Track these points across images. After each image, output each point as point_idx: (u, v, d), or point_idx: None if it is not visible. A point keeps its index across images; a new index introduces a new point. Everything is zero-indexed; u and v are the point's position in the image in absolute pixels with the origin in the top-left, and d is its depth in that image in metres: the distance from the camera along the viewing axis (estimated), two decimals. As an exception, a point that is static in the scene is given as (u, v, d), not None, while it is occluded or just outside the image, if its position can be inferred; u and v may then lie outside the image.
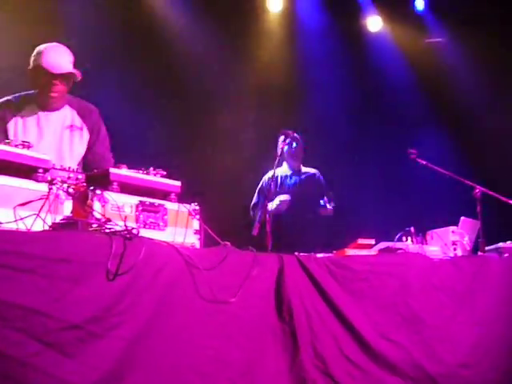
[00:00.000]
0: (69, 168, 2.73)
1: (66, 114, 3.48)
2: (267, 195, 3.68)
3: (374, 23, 7.23)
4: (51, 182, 2.41)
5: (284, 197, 4.68)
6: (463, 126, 6.82)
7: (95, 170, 2.86)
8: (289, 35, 6.81)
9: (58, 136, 3.43)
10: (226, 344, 2.55)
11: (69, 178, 2.62)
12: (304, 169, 5.19)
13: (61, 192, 2.47)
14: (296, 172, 5.11)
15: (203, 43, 6.08)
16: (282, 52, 6.72)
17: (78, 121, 3.50)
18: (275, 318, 2.82)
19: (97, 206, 2.47)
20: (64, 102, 3.47)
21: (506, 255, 3.73)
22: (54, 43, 3.37)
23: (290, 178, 5.06)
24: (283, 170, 5.07)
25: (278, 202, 4.67)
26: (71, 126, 3.47)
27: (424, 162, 4.19)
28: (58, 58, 3.30)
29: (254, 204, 4.90)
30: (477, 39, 6.60)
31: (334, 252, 3.40)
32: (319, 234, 4.73)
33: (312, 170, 5.22)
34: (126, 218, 2.45)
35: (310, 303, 2.94)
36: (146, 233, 2.54)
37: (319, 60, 6.78)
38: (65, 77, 3.32)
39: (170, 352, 2.33)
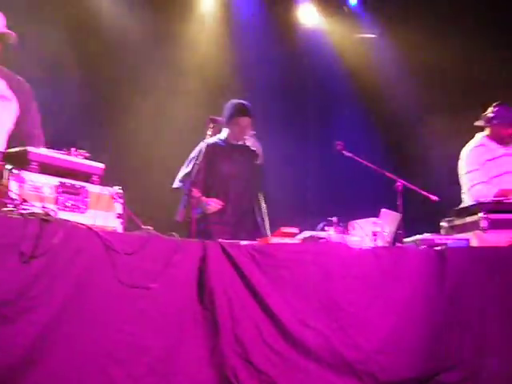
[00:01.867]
0: (-16, 146, 2.61)
1: None
2: (193, 180, 3.63)
3: (308, 16, 7.29)
4: (-38, 159, 2.29)
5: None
6: (390, 121, 6.99)
7: (14, 149, 2.74)
8: (224, 23, 6.77)
9: None
10: (144, 330, 2.52)
11: (-16, 155, 2.50)
12: None
13: (-27, 170, 2.36)
14: None
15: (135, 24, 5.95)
16: (216, 40, 6.66)
17: (8, 92, 3.32)
18: (197, 304, 2.81)
19: (13, 185, 2.37)
20: None
21: (424, 247, 3.85)
22: None
23: None
24: None
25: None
26: (1, 96, 3.30)
27: (349, 154, 4.27)
28: None
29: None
30: (406, 36, 6.78)
31: (258, 240, 3.41)
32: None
33: None
34: (43, 198, 2.37)
35: (232, 290, 2.94)
36: (65, 215, 2.48)
37: (253, 49, 6.76)
38: None
39: (86, 338, 2.29)
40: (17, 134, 3.33)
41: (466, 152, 4.72)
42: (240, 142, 4.54)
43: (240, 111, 4.44)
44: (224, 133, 4.52)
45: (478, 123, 4.80)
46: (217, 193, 4.34)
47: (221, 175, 4.42)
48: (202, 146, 4.01)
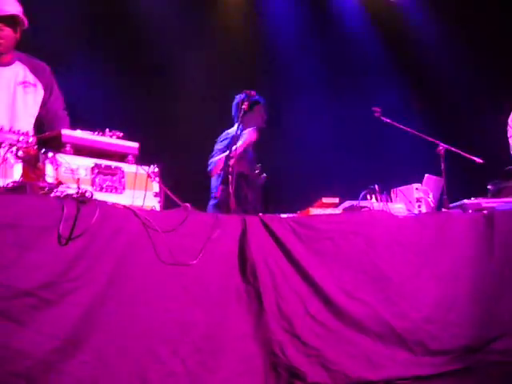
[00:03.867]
0: (18, 131, 2.61)
1: (18, 70, 3.31)
2: (228, 155, 3.57)
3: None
4: (-2, 146, 2.29)
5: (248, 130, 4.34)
6: (428, 85, 6.81)
7: (47, 132, 2.73)
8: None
9: (11, 92, 3.27)
10: (188, 307, 2.51)
11: (18, 141, 2.49)
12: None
13: (9, 155, 2.36)
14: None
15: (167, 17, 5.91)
16: (241, 10, 6.58)
17: (31, 77, 3.34)
18: (239, 279, 2.78)
19: (49, 169, 2.37)
20: (13, 58, 3.30)
21: (470, 211, 3.74)
22: None
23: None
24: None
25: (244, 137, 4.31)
26: (24, 82, 3.31)
27: (388, 120, 4.14)
28: (4, 2, 3.14)
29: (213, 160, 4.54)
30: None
31: (298, 212, 3.35)
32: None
33: None
34: (78, 180, 2.35)
35: (274, 264, 2.90)
36: (102, 196, 2.46)
37: (282, 22, 6.66)
38: (10, 21, 3.14)
39: (129, 316, 2.28)
40: (43, 116, 3.36)
41: None
42: None
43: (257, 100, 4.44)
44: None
45: None
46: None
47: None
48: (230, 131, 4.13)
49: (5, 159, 2.32)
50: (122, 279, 2.28)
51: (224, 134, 4.50)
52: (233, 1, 6.71)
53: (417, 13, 7.07)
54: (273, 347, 2.78)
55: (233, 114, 4.54)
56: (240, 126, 3.95)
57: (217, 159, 4.34)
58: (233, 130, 4.27)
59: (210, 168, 4.42)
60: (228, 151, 3.62)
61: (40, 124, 3.35)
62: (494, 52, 6.29)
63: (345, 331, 3.00)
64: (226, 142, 4.37)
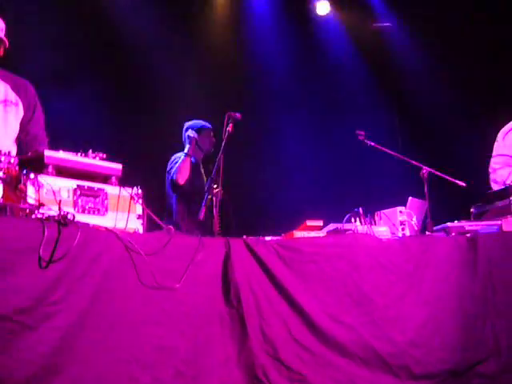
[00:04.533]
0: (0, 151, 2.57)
1: None
2: (213, 177, 3.57)
3: (322, 7, 7.19)
4: (-22, 167, 2.26)
5: None
6: (410, 108, 6.88)
7: (29, 153, 2.70)
8: (237, 18, 6.72)
9: None
10: (170, 331, 2.47)
11: (-1, 161, 2.46)
12: None
13: (-10, 176, 2.33)
14: None
15: (150, 26, 5.92)
16: (230, 35, 6.62)
17: (12, 96, 3.29)
18: (222, 303, 2.75)
19: (30, 190, 2.33)
20: None
21: (453, 234, 3.75)
22: None
23: None
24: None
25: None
26: (5, 100, 3.25)
27: (372, 143, 4.17)
28: None
29: None
30: (423, 23, 6.65)
31: (283, 235, 3.34)
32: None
33: None
34: (60, 202, 2.32)
35: (258, 287, 2.87)
36: (85, 218, 2.43)
37: (267, 43, 6.71)
38: None
39: (110, 342, 2.23)
40: (23, 137, 3.31)
41: (501, 135, 4.54)
42: None
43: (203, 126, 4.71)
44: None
45: None
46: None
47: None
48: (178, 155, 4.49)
49: (-15, 180, 2.28)
50: (102, 303, 2.24)
51: (173, 158, 4.65)
52: (220, 24, 6.76)
53: (400, 38, 7.16)
54: (256, 372, 2.74)
55: (183, 139, 4.70)
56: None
57: (178, 165, 4.43)
58: (180, 155, 4.55)
59: (174, 176, 4.47)
60: (213, 174, 3.61)
61: (19, 144, 3.30)
62: (477, 75, 6.37)
63: (329, 355, 2.97)
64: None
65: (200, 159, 4.75)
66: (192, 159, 4.59)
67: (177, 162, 4.53)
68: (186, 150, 4.53)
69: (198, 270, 2.63)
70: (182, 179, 4.44)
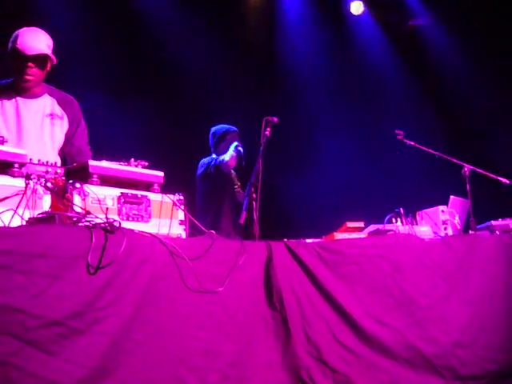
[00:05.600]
0: (47, 162, 2.67)
1: (46, 103, 3.39)
2: (252, 182, 3.60)
3: (357, 7, 7.17)
4: (28, 177, 2.34)
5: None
6: (450, 106, 6.79)
7: (74, 164, 2.79)
8: (271, 20, 6.75)
9: (38, 124, 3.34)
10: (215, 334, 2.50)
11: (47, 172, 2.55)
12: None
13: (38, 187, 2.41)
14: None
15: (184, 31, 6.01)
16: (265, 38, 6.66)
17: (58, 110, 3.42)
18: (265, 306, 2.77)
19: (76, 199, 2.40)
20: (43, 90, 3.39)
21: (497, 233, 3.69)
22: (33, 27, 3.28)
23: None
24: None
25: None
26: (51, 114, 3.38)
27: (411, 143, 4.15)
28: (34, 40, 3.21)
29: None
30: (460, 21, 6.57)
31: (323, 237, 3.35)
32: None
33: None
34: (107, 209, 2.39)
35: (300, 289, 2.89)
36: (129, 225, 2.48)
37: (302, 46, 6.73)
38: (40, 59, 3.23)
39: (157, 345, 2.28)
40: (67, 150, 3.43)
41: None
42: None
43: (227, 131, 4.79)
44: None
45: None
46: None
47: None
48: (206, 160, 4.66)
49: (34, 190, 2.36)
50: (150, 307, 2.29)
51: (201, 163, 4.77)
52: (254, 22, 6.78)
53: (439, 37, 7.08)
54: (301, 374, 2.76)
55: (210, 144, 4.83)
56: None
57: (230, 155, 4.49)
58: (208, 159, 4.70)
59: (225, 159, 4.53)
60: (252, 179, 3.64)
61: (64, 157, 3.41)
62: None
63: (373, 357, 2.96)
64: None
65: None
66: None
67: (207, 165, 4.63)
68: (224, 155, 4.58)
69: (240, 273, 2.66)
70: (232, 163, 4.48)
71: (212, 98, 6.03)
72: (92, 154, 3.47)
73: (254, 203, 3.53)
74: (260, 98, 6.08)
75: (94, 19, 5.42)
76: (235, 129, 4.80)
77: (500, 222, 3.79)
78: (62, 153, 3.43)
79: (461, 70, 6.76)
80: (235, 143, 4.58)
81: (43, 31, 3.29)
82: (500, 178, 4.05)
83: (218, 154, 4.75)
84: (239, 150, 4.53)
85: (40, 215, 2.25)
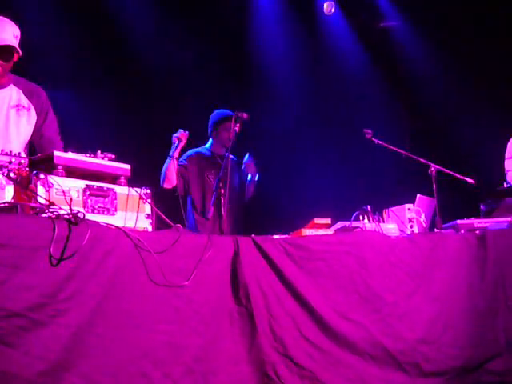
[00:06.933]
0: (10, 152, 2.61)
1: (12, 93, 3.31)
2: (220, 177, 3.58)
3: (328, 7, 7.20)
4: (-11, 168, 2.29)
5: None
6: (418, 107, 6.87)
7: (39, 154, 2.73)
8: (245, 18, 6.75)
9: (3, 115, 3.26)
10: (180, 329, 2.48)
11: (10, 162, 2.50)
12: None
13: (1, 177, 2.36)
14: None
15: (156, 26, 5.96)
16: (237, 34, 6.63)
17: (24, 101, 3.34)
18: (232, 300, 2.76)
19: (40, 190, 2.36)
20: (9, 81, 3.31)
21: (462, 232, 3.74)
22: None
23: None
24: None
25: None
26: (17, 105, 3.30)
27: (380, 142, 4.18)
28: None
29: None
30: (430, 22, 6.65)
31: (291, 233, 3.35)
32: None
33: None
34: (71, 200, 2.35)
35: (267, 285, 2.88)
36: (95, 218, 2.45)
37: (274, 44, 6.73)
38: (5, 50, 3.15)
39: (120, 338, 2.25)
40: (37, 142, 3.37)
41: None
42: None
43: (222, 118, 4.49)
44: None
45: None
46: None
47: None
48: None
49: (-4, 180, 2.32)
50: (113, 300, 2.26)
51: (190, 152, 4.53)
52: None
53: (408, 37, 7.16)
54: (266, 369, 2.75)
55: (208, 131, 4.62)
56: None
57: (162, 171, 4.24)
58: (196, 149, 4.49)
59: (160, 183, 4.30)
60: (220, 174, 3.63)
61: (34, 148, 3.35)
62: (486, 72, 6.34)
63: (339, 353, 2.97)
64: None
65: (221, 152, 4.51)
66: (207, 153, 4.52)
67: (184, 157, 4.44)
68: (170, 153, 4.23)
69: (207, 267, 2.64)
70: (168, 184, 4.22)
71: (181, 92, 5.98)
72: (63, 144, 3.41)
73: (221, 198, 3.52)
74: (228, 92, 6.03)
75: (56, 8, 5.32)
76: (230, 114, 4.30)
77: (465, 221, 3.84)
78: (32, 144, 3.37)
79: (430, 69, 6.84)
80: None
81: (10, 21, 3.21)
82: (465, 178, 4.12)
83: (214, 141, 4.56)
84: (170, 158, 4.18)
85: (2, 205, 2.20)
